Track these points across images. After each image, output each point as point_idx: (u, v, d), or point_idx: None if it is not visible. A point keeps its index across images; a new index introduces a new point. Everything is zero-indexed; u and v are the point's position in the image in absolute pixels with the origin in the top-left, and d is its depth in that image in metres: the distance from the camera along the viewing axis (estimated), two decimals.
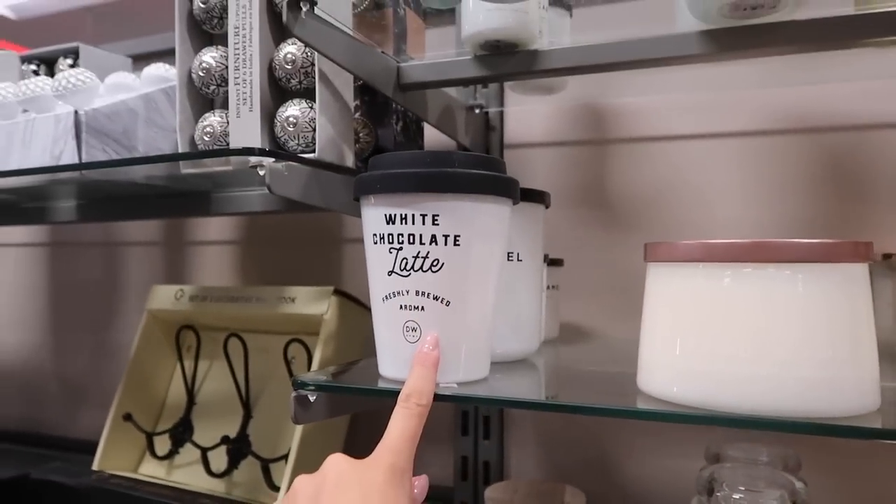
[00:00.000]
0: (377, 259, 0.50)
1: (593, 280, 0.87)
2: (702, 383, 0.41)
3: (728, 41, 0.58)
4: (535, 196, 0.62)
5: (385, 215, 0.49)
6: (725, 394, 0.40)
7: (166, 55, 0.81)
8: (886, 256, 0.66)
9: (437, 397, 0.46)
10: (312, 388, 0.50)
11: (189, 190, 0.80)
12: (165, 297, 1.02)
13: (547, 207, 0.64)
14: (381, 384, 0.50)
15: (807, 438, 0.75)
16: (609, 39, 0.62)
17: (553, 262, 0.78)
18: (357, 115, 0.75)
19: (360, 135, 0.75)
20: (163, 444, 0.97)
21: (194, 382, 1.01)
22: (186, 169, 0.66)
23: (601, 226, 0.88)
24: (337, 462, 0.40)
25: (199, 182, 0.76)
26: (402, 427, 0.42)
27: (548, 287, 0.76)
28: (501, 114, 0.92)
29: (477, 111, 0.90)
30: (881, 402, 0.41)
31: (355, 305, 0.89)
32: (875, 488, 0.76)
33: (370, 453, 0.41)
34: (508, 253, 0.59)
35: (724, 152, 0.84)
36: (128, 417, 0.96)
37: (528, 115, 0.93)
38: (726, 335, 0.40)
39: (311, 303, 0.87)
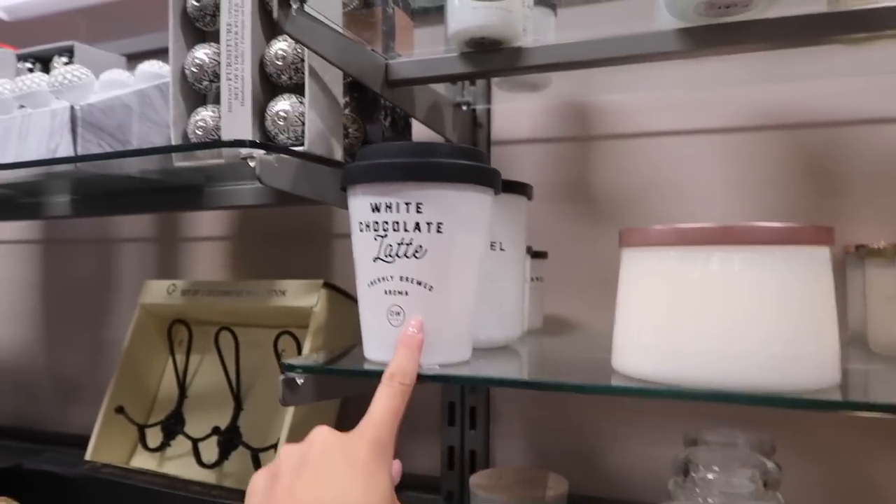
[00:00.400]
0: (363, 246, 0.52)
1: (577, 273, 0.89)
2: (672, 361, 0.43)
3: (704, 38, 0.60)
4: (518, 188, 0.64)
5: (371, 204, 0.51)
6: (694, 370, 0.42)
7: (159, 54, 0.83)
8: (859, 247, 0.68)
9: (420, 377, 0.48)
10: (300, 370, 0.52)
11: (182, 184, 0.81)
12: (158, 291, 1.03)
13: (529, 199, 0.66)
14: (367, 367, 0.52)
15: (781, 424, 0.78)
16: (591, 37, 0.64)
17: (537, 255, 0.80)
18: (346, 111, 0.77)
19: (350, 130, 0.76)
20: (154, 437, 0.99)
21: (186, 376, 1.02)
22: (179, 162, 0.68)
23: (585, 220, 0.90)
24: (322, 433, 0.42)
25: (192, 176, 0.78)
26: (385, 404, 0.44)
27: (532, 279, 0.78)
28: (488, 111, 0.94)
29: (464, 108, 0.92)
30: (841, 379, 0.43)
31: (344, 298, 0.91)
32: (846, 473, 0.78)
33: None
34: (492, 242, 0.61)
35: (704, 149, 0.86)
36: (120, 410, 0.98)
37: (514, 112, 0.95)
38: (695, 315, 0.42)
39: (301, 295, 0.89)
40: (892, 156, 0.78)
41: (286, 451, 0.41)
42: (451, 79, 0.80)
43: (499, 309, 0.62)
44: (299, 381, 0.52)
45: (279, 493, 0.38)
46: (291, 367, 0.52)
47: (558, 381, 0.45)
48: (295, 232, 1.08)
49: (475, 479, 0.76)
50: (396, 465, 0.46)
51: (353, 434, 0.42)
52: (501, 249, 0.62)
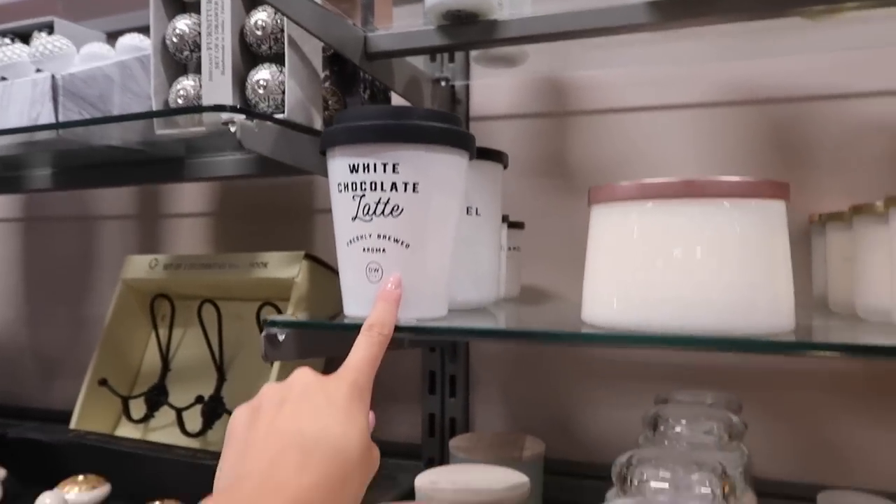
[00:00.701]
0: (342, 206, 0.53)
1: (554, 245, 0.91)
2: (637, 309, 0.45)
3: (671, 11, 0.62)
4: (493, 155, 0.66)
5: (349, 165, 0.52)
6: (657, 318, 0.44)
7: (139, 32, 0.84)
8: (822, 216, 0.71)
9: (398, 329, 0.50)
10: (281, 325, 0.53)
11: (164, 156, 0.82)
12: (140, 266, 1.04)
13: (505, 167, 0.68)
14: (347, 322, 0.54)
15: (748, 385, 0.81)
16: (565, 10, 0.66)
17: (514, 225, 0.82)
18: (326, 84, 0.78)
19: (329, 102, 0.78)
20: (138, 408, 1.00)
21: (169, 349, 1.04)
22: (161, 130, 0.69)
23: (562, 194, 0.92)
24: (303, 373, 0.43)
25: (173, 147, 0.79)
26: (364, 352, 0.45)
27: (509, 248, 0.80)
28: (467, 87, 0.96)
29: (443, 84, 0.93)
30: (796, 326, 0.45)
31: (326, 270, 0.93)
32: (809, 431, 0.81)
33: None
34: (468, 208, 0.63)
35: (677, 123, 0.89)
36: (103, 383, 0.99)
37: (492, 88, 0.97)
38: (658, 265, 0.44)
39: (283, 267, 0.91)
40: (855, 129, 0.81)
41: (268, 389, 0.43)
42: (429, 51, 0.81)
43: (474, 272, 0.64)
44: (280, 336, 0.54)
45: (261, 426, 0.40)
46: (273, 323, 0.54)
47: (529, 330, 0.47)
48: (276, 207, 1.09)
49: (454, 442, 0.78)
50: (371, 416, 0.48)
51: (333, 376, 0.43)
52: (477, 214, 0.64)
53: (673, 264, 0.44)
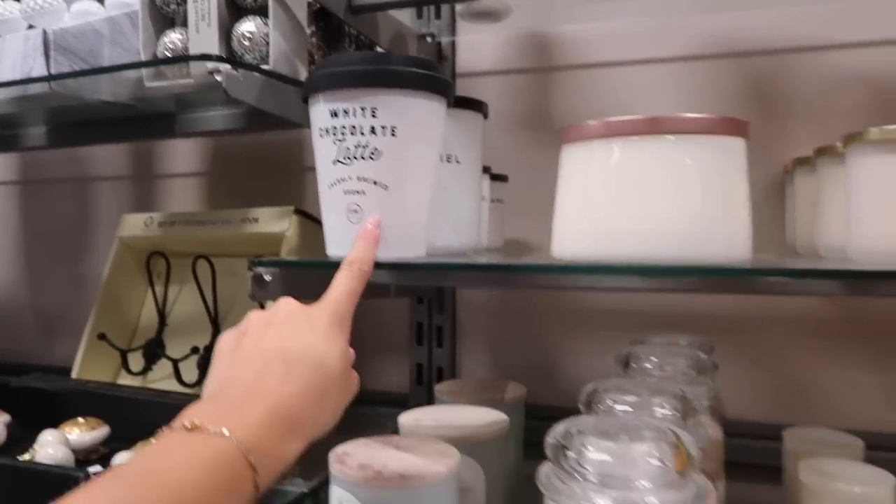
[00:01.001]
0: (323, 151, 0.55)
1: (538, 199, 0.92)
2: (603, 242, 0.48)
3: None
4: (473, 104, 0.67)
5: (329, 110, 0.54)
6: (623, 249, 0.47)
7: None
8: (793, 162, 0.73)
9: (378, 265, 0.52)
10: (267, 264, 0.56)
11: (155, 111, 0.84)
12: (135, 224, 1.07)
13: (485, 117, 0.70)
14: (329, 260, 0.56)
15: (721, 329, 0.83)
16: None
17: (497, 177, 0.84)
18: (312, 39, 0.79)
19: (315, 57, 0.79)
20: (136, 361, 1.03)
21: (165, 305, 1.06)
22: (150, 83, 0.71)
23: (546, 148, 0.93)
24: (287, 302, 0.46)
25: (164, 103, 0.81)
26: (344, 285, 0.48)
27: (492, 200, 0.82)
28: (453, 43, 0.97)
29: (429, 40, 0.95)
30: (751, 256, 0.47)
31: (315, 224, 0.95)
32: (779, 374, 0.85)
33: None
34: (448, 155, 0.65)
35: (660, 77, 0.90)
36: (102, 337, 1.02)
37: (478, 44, 0.98)
38: (621, 198, 0.47)
39: (273, 222, 0.93)
40: (832, 80, 0.83)
41: (253, 315, 0.46)
42: (412, 4, 0.82)
43: (454, 218, 0.66)
44: (267, 277, 0.57)
45: (246, 346, 0.42)
46: (259, 263, 0.56)
47: (505, 263, 0.49)
48: (267, 165, 1.11)
49: (440, 387, 0.81)
50: (350, 351, 0.50)
51: (315, 305, 0.46)
52: (457, 162, 0.66)
53: (636, 198, 0.46)
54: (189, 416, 0.36)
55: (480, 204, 0.72)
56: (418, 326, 0.96)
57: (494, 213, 0.82)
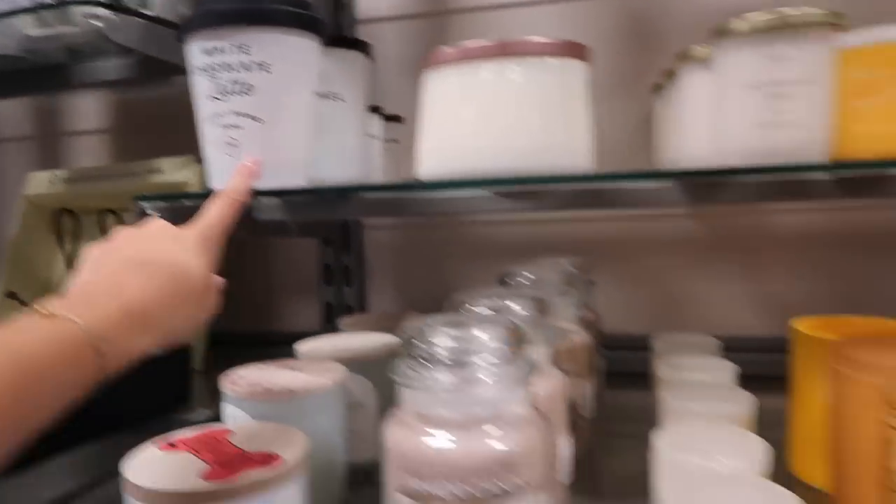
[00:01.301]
0: (200, 88, 0.58)
1: None
2: (458, 159, 0.52)
3: None
4: (356, 44, 0.70)
5: (204, 49, 0.57)
6: (476, 165, 0.51)
7: None
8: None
9: (257, 193, 0.55)
10: (150, 199, 0.58)
11: (47, 63, 0.84)
12: (41, 182, 1.06)
13: (368, 56, 0.72)
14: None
15: (604, 252, 0.90)
16: None
17: (391, 118, 0.87)
18: None
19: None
20: None
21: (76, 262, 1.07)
22: (33, 31, 0.71)
23: None
24: (157, 221, 0.48)
25: (54, 55, 0.81)
26: (216, 212, 0.51)
27: (386, 140, 0.86)
28: None
29: None
30: (592, 168, 0.52)
31: None
32: (653, 290, 0.93)
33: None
34: (331, 93, 0.68)
35: (548, 17, 0.95)
36: (12, 295, 1.02)
37: None
38: (474, 118, 0.51)
39: (177, 171, 0.94)
40: (706, 12, 0.88)
41: (121, 229, 0.47)
42: None
43: (339, 154, 0.69)
44: (151, 212, 0.59)
45: (111, 254, 0.44)
46: (143, 198, 0.58)
47: (368, 184, 0.53)
48: (170, 117, 1.11)
49: (344, 320, 0.85)
50: (217, 278, 0.52)
51: (184, 227, 0.48)
52: (342, 101, 0.69)
53: (484, 117, 0.50)
54: (46, 306, 0.37)
55: (367, 141, 0.75)
56: (326, 268, 0.99)
57: (389, 154, 0.86)
